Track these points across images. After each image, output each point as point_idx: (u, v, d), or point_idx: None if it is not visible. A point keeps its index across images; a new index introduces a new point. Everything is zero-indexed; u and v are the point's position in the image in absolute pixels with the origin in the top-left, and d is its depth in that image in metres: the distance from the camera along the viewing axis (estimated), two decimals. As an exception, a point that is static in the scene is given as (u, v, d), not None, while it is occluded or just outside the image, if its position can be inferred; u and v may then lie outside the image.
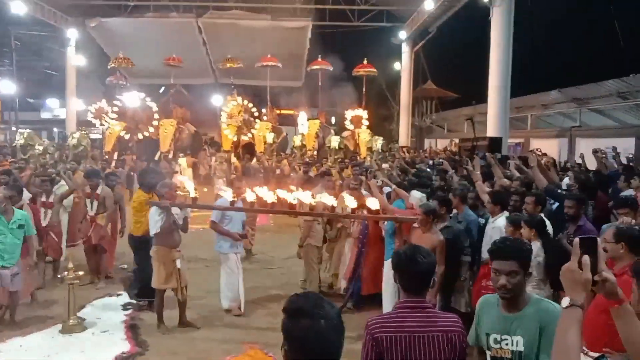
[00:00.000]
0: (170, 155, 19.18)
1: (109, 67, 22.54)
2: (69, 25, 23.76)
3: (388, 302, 5.19)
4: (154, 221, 5.76)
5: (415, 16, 23.26)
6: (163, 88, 27.11)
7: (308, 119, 21.60)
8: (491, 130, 14.92)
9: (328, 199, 4.75)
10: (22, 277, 6.23)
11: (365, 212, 4.83)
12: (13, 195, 6.36)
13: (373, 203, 4.62)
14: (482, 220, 5.54)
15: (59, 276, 7.46)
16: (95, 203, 8.10)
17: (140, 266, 6.71)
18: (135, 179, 15.91)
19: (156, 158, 18.94)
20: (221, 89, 28.32)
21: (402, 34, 25.24)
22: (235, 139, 20.45)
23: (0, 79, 27.28)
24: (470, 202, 5.80)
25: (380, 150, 19.11)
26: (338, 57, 24.08)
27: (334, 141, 19.49)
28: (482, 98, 16.86)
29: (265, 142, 20.03)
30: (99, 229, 8.02)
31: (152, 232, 5.87)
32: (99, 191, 8.18)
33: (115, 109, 19.17)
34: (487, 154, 7.96)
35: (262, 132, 20.96)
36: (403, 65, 26.04)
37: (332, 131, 22.66)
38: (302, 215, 5.78)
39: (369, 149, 19.00)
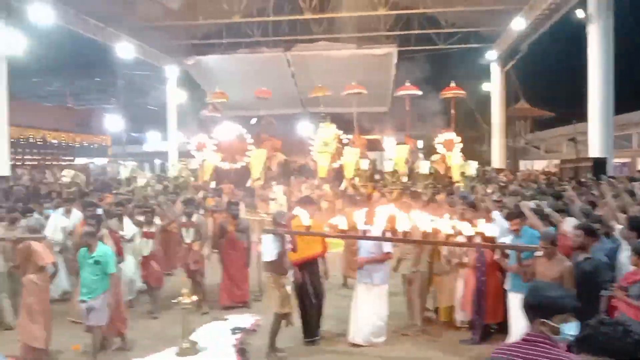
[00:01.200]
0: (262, 183, 19.78)
1: (206, 101, 23.86)
2: (168, 63, 25.54)
3: (515, 332, 4.97)
4: (270, 249, 5.94)
5: (504, 36, 22.70)
6: (255, 119, 28.21)
7: (397, 144, 21.45)
8: (594, 151, 14.07)
9: (445, 226, 4.65)
10: (108, 314, 6.17)
11: (480, 239, 4.67)
12: (94, 231, 6.36)
13: (489, 230, 4.47)
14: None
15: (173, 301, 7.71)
16: (191, 231, 8.46)
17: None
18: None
19: (247, 185, 19.61)
20: (309, 117, 29.08)
21: (491, 54, 24.66)
22: (328, 166, 20.71)
23: (109, 115, 29.80)
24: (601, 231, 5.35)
25: (474, 175, 18.49)
26: (424, 81, 23.91)
27: (424, 166, 19.04)
28: (582, 116, 15.97)
29: (357, 169, 20.02)
30: (195, 255, 8.32)
31: (265, 259, 6.06)
32: (194, 219, 8.59)
33: (215, 141, 20.12)
34: (611, 177, 7.48)
35: (351, 159, 21.05)
36: (493, 86, 25.37)
37: (421, 156, 22.35)
38: (433, 244, 5.63)
39: (462, 173, 18.42)
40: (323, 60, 24.06)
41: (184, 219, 8.67)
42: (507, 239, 5.55)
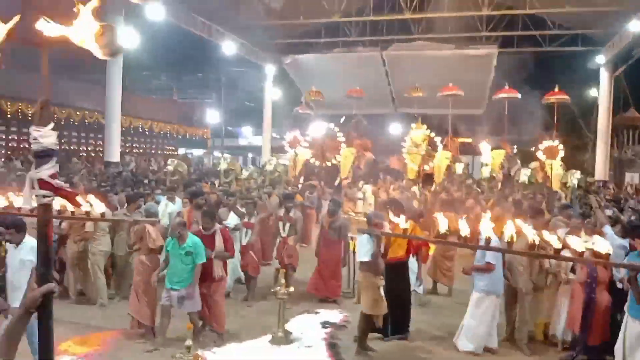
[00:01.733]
0: (349, 181, 19.93)
1: (301, 100, 24.41)
2: (267, 61, 26.38)
3: (621, 355, 4.71)
4: (365, 249, 6.01)
5: (616, 39, 21.18)
6: (344, 118, 28.42)
7: (492, 149, 20.72)
8: None
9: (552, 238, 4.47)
10: (211, 303, 6.51)
11: (591, 255, 4.44)
12: (185, 222, 6.63)
13: (603, 246, 4.24)
14: None
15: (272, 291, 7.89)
16: (288, 225, 8.70)
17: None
18: (323, 204, 16.91)
19: (336, 184, 19.82)
20: (399, 118, 28.86)
21: (600, 58, 23.11)
22: (418, 168, 20.45)
23: (209, 109, 31.35)
24: None
25: (577, 186, 17.39)
26: (525, 84, 22.87)
27: (524, 175, 18.06)
28: None
29: (454, 172, 19.59)
30: (290, 250, 8.57)
31: (360, 259, 6.13)
32: (292, 214, 8.84)
33: (307, 137, 20.55)
34: None
35: (443, 162, 20.64)
36: (600, 92, 23.78)
37: (518, 162, 21.42)
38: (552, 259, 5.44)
39: (564, 184, 17.38)
40: (419, 60, 23.75)
41: (282, 213, 8.95)
42: (620, 257, 5.23)
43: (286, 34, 23.70)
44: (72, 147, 20.91)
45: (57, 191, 1.70)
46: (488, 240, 4.24)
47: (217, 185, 15.65)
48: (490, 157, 20.36)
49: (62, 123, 19.45)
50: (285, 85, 28.54)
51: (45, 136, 1.71)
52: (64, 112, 19.12)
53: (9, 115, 17.81)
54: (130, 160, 20.54)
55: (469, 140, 26.29)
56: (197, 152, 33.75)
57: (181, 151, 30.07)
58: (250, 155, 39.00)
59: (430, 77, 23.27)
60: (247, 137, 41.55)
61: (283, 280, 6.94)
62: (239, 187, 14.53)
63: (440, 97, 22.77)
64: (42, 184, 1.67)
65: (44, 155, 1.76)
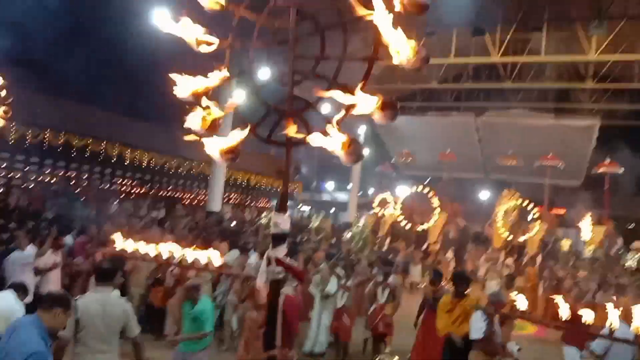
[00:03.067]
0: (437, 247, 19.63)
1: (392, 161, 24.71)
2: (359, 121, 27.07)
3: None
4: (478, 327, 5.93)
5: None
6: (429, 179, 28.30)
7: (592, 224, 19.72)
8: None
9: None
10: None
11: None
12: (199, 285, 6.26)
13: None
14: None
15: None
16: (387, 291, 8.57)
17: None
18: (412, 268, 16.76)
19: (423, 248, 19.61)
20: (490, 184, 28.28)
21: None
22: (508, 237, 19.79)
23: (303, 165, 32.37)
24: None
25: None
26: (629, 158, 21.85)
27: (630, 260, 16.74)
28: None
29: (560, 249, 18.69)
30: (386, 318, 8.38)
31: (472, 337, 6.04)
32: (390, 280, 8.78)
33: (398, 199, 20.60)
34: None
35: (537, 235, 19.82)
36: None
37: (619, 242, 20.18)
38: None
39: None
40: (515, 129, 23.44)
41: (380, 278, 8.95)
42: None
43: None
44: (177, 195, 22.33)
45: (289, 269, 2.02)
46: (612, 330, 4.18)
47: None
48: (590, 234, 19.37)
49: (171, 172, 21.00)
50: (374, 143, 29.03)
51: (283, 222, 2.05)
52: (174, 161, 20.64)
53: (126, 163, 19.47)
54: (227, 211, 21.50)
55: (563, 212, 25.22)
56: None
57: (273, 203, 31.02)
58: (333, 210, 39.42)
59: (526, 146, 22.85)
60: (331, 192, 42.11)
61: (388, 349, 6.97)
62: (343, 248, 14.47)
63: (535, 166, 22.23)
64: (278, 262, 1.99)
65: (280, 238, 2.09)
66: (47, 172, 17.68)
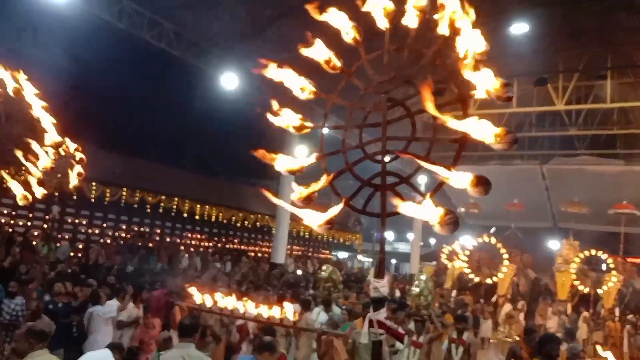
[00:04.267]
0: (508, 299, 18.90)
1: (457, 211, 24.29)
2: (417, 172, 27.08)
3: None
4: None
5: None
6: (494, 229, 27.54)
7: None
8: None
9: None
10: None
11: None
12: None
13: None
14: None
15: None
16: (461, 349, 8.20)
17: None
18: (482, 322, 16.18)
19: (493, 300, 18.94)
20: (559, 233, 27.19)
21: None
22: (572, 288, 18.94)
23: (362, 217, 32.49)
24: None
25: None
26: None
27: None
28: None
29: (622, 299, 17.78)
30: None
31: None
32: (465, 337, 8.48)
33: (467, 251, 20.13)
34: None
35: (612, 286, 18.77)
36: None
37: None
38: None
39: None
40: (583, 175, 22.73)
41: (454, 335, 8.71)
42: None
43: (438, 147, 24.32)
44: (242, 247, 22.90)
45: (389, 330, 2.19)
46: None
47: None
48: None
49: (238, 225, 21.67)
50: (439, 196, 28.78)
51: (382, 287, 2.24)
52: (240, 214, 21.34)
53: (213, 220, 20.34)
54: (291, 263, 21.77)
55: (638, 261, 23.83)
56: (341, 254, 34.53)
57: (341, 255, 31.00)
58: (393, 261, 38.84)
59: (595, 192, 22.06)
60: (389, 242, 41.72)
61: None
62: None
63: (609, 214, 21.33)
64: (379, 324, 2.17)
65: (379, 301, 2.27)
66: (122, 227, 18.63)
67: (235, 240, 22.87)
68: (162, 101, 19.05)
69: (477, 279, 19.80)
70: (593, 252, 19.57)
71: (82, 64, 15.08)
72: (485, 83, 2.33)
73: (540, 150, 23.39)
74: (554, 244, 26.51)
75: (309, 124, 3.28)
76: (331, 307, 10.15)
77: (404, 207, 2.28)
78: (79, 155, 7.50)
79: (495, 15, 12.87)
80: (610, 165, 22.12)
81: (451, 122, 2.43)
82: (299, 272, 19.41)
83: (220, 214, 20.61)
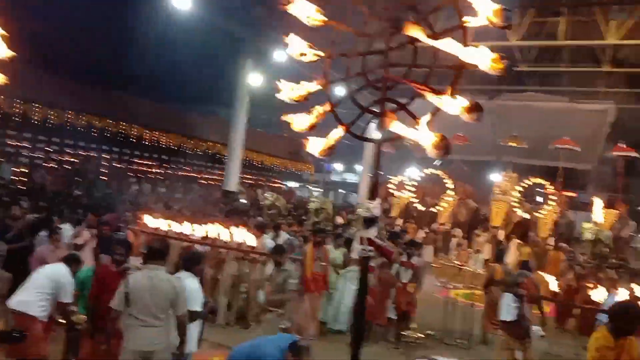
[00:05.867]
0: (448, 228, 19.91)
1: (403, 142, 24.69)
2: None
3: None
4: (508, 308, 6.06)
5: None
6: (439, 161, 28.37)
7: (604, 208, 19.84)
8: None
9: None
10: None
11: None
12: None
13: None
14: None
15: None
16: (409, 271, 8.73)
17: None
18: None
19: (433, 228, 19.92)
20: (502, 167, 28.33)
21: None
22: (505, 216, 20.20)
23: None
24: None
25: None
26: (643, 142, 21.85)
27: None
28: None
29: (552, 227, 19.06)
30: (408, 296, 8.57)
31: (502, 318, 6.17)
32: (414, 260, 9.00)
33: (414, 182, 20.76)
34: None
35: (548, 217, 20.09)
36: None
37: (630, 223, 20.38)
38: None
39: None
40: (528, 111, 23.42)
41: (404, 259, 9.19)
42: None
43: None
44: (193, 174, 22.61)
45: (378, 248, 2.27)
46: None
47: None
48: (601, 217, 19.47)
49: (189, 152, 21.32)
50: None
51: (374, 207, 2.29)
52: (191, 142, 20.93)
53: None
54: (241, 191, 21.80)
55: (574, 194, 25.38)
56: (292, 184, 34.77)
57: (291, 184, 31.16)
58: (341, 191, 39.58)
59: (538, 129, 22.84)
60: (338, 172, 42.20)
61: (415, 325, 7.24)
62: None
63: (549, 149, 22.30)
64: (369, 242, 2.24)
65: (371, 221, 2.33)
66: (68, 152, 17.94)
67: (187, 168, 22.56)
68: (109, 24, 17.90)
69: (422, 208, 20.60)
70: (533, 181, 20.66)
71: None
72: (485, 10, 2.32)
73: (490, 85, 23.76)
74: (495, 177, 27.72)
75: (317, 51, 3.17)
76: (279, 233, 10.20)
77: (401, 129, 2.31)
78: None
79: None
80: (554, 102, 22.82)
81: (446, 45, 2.43)
82: (243, 200, 19.43)
83: (171, 141, 20.14)
